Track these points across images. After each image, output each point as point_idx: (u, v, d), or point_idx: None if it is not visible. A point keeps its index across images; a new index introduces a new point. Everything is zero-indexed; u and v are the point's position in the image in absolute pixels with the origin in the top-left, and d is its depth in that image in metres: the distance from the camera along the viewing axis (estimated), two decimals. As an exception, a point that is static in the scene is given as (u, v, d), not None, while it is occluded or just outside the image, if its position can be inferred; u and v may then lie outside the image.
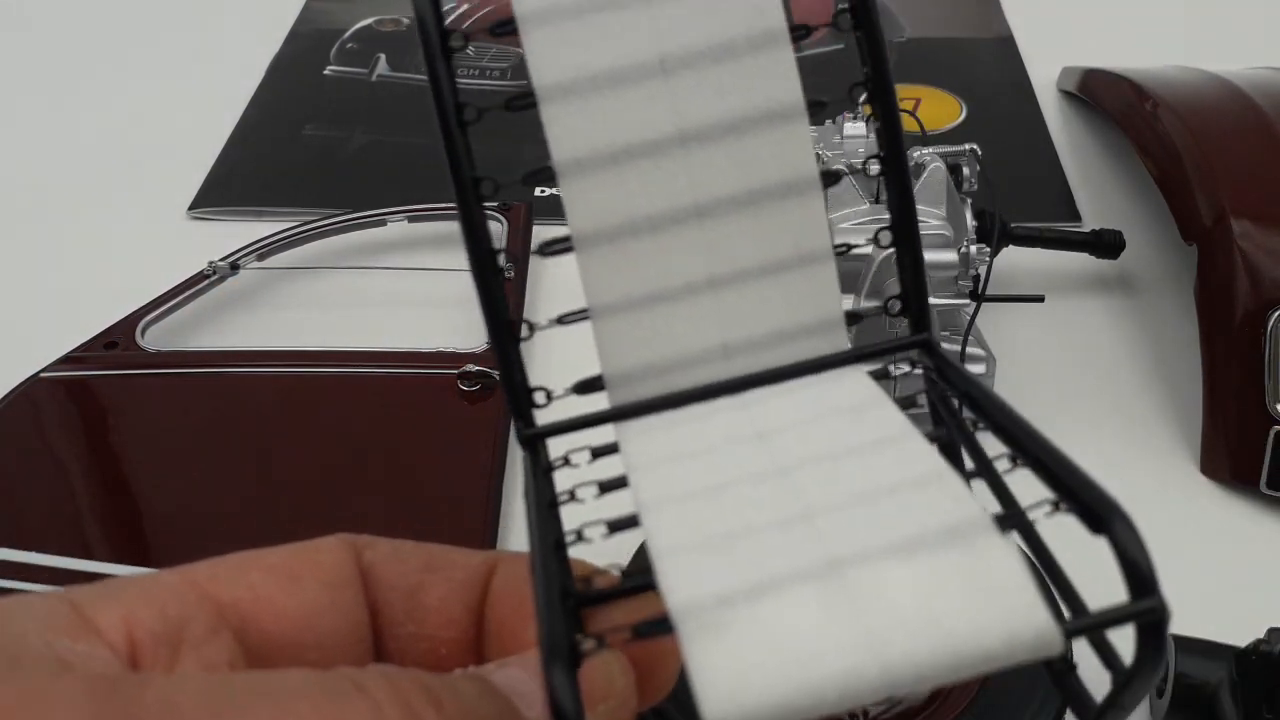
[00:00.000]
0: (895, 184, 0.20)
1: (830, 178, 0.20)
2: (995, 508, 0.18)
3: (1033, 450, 0.17)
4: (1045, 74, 0.70)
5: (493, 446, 0.45)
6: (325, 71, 0.72)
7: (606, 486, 0.19)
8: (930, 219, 0.46)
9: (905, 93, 0.69)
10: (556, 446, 0.20)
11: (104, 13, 0.79)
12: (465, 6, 0.76)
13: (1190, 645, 0.36)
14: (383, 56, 0.72)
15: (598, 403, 0.20)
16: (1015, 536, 0.16)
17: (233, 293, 0.54)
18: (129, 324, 0.50)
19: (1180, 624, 0.36)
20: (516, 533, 0.43)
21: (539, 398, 0.20)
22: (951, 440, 0.19)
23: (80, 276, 0.56)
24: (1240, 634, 0.35)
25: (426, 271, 0.54)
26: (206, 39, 0.77)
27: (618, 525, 0.18)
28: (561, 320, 0.20)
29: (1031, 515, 0.17)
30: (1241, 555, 0.43)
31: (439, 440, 0.45)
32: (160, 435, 0.46)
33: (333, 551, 0.21)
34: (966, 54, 0.73)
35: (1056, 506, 0.17)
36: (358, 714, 0.16)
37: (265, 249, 0.54)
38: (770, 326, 0.20)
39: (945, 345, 0.45)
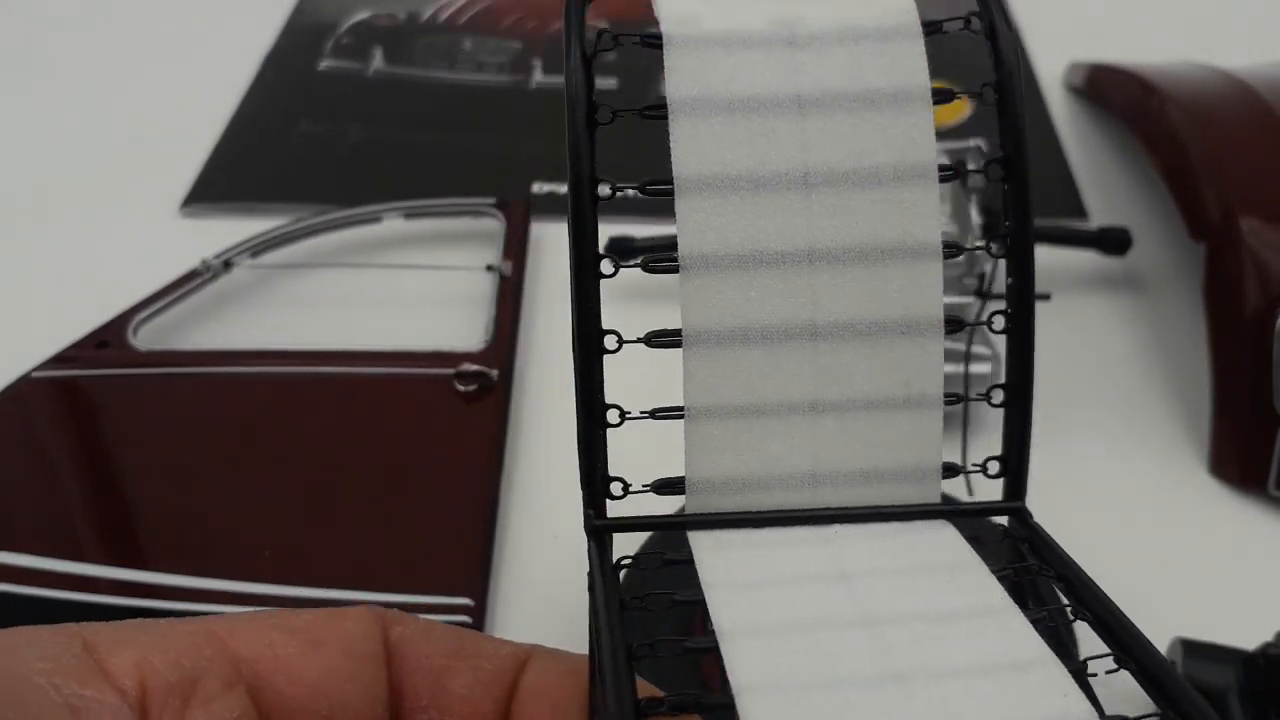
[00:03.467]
0: (1018, 345, 0.20)
1: (954, 323, 0.19)
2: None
3: (1137, 653, 0.17)
4: (1051, 69, 0.70)
5: (489, 446, 0.44)
6: (320, 66, 0.71)
7: (680, 602, 0.18)
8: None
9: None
10: (621, 543, 0.19)
11: (93, 5, 0.78)
12: (461, 1, 0.76)
13: (1198, 649, 0.35)
14: (379, 51, 0.72)
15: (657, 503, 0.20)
16: None
17: (226, 291, 0.53)
18: (120, 323, 0.49)
19: (1187, 627, 0.36)
20: (513, 534, 0.42)
21: (615, 488, 0.19)
22: (1051, 625, 0.18)
23: (71, 275, 0.56)
24: (1248, 637, 0.35)
25: (423, 270, 0.53)
26: (199, 32, 0.76)
27: (694, 649, 0.17)
28: (655, 414, 0.19)
29: None
30: (1250, 558, 0.42)
31: (435, 441, 0.45)
32: (152, 436, 0.45)
33: (360, 621, 0.21)
34: (972, 49, 0.72)
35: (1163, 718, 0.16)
36: None
37: (259, 247, 0.54)
38: (865, 463, 0.19)
39: (949, 344, 0.45)
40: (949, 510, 0.20)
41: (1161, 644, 0.36)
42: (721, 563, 0.18)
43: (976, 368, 0.45)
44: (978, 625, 0.17)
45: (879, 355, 0.19)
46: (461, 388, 0.46)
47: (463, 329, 0.50)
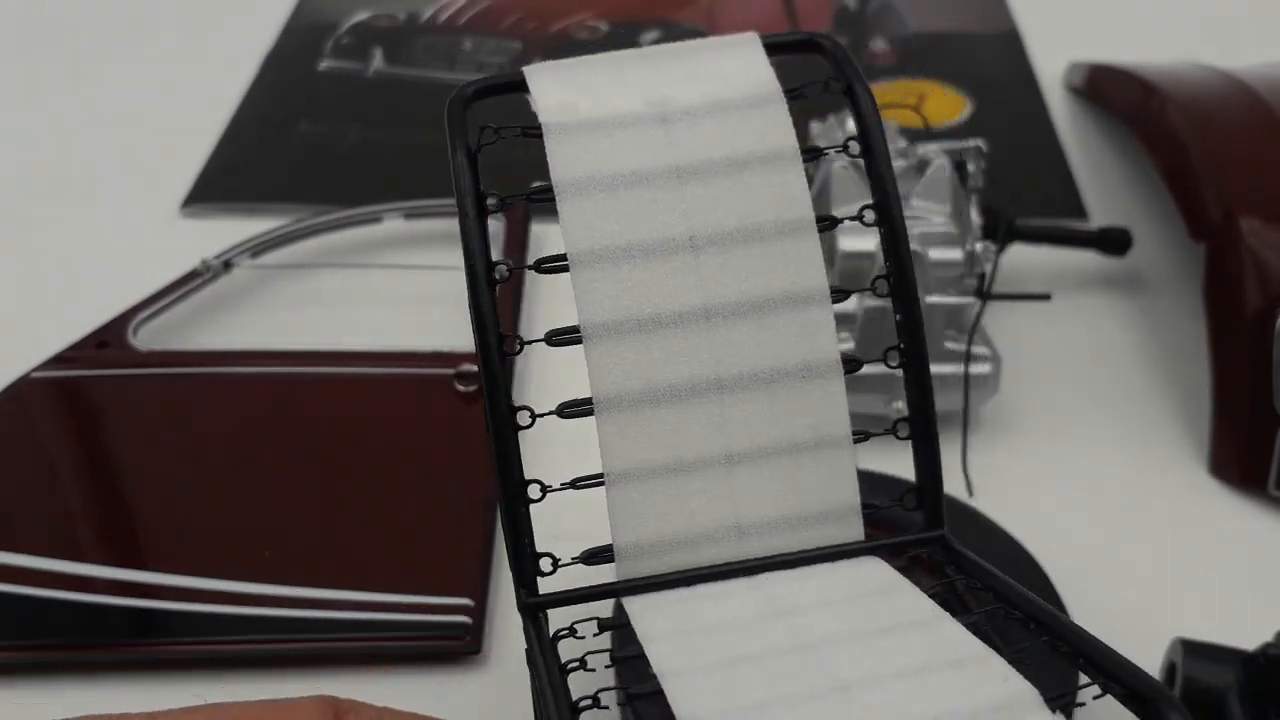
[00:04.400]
0: (915, 380, 0.21)
1: (853, 364, 0.20)
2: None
3: (1071, 639, 0.18)
4: (1052, 70, 0.70)
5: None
6: (320, 66, 0.71)
7: (619, 659, 0.18)
8: (935, 216, 0.45)
9: (910, 88, 0.69)
10: (558, 616, 0.20)
11: (94, 6, 0.78)
12: (461, 2, 0.76)
13: (1198, 649, 0.35)
14: (379, 51, 0.72)
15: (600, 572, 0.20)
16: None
17: (226, 291, 0.53)
18: (121, 323, 0.49)
19: (1187, 627, 0.36)
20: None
21: (545, 564, 0.20)
22: (981, 628, 0.19)
23: (71, 275, 0.56)
24: (1248, 637, 0.35)
25: (423, 270, 0.53)
26: (199, 33, 0.76)
27: (638, 694, 0.17)
28: (576, 484, 0.20)
29: (1080, 697, 0.17)
30: (1249, 557, 0.42)
31: (435, 441, 0.45)
32: (152, 436, 0.45)
33: (312, 713, 0.20)
34: (972, 49, 0.73)
35: (1106, 689, 0.17)
36: None
37: (259, 247, 0.54)
38: (785, 510, 0.20)
39: (950, 344, 0.45)
40: (873, 546, 0.20)
41: (1161, 644, 0.36)
42: (658, 619, 0.19)
43: (976, 368, 0.45)
44: (914, 635, 0.18)
45: (783, 402, 0.20)
46: (461, 388, 0.46)
47: (463, 329, 0.50)
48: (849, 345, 0.45)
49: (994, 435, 0.46)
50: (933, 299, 0.44)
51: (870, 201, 0.21)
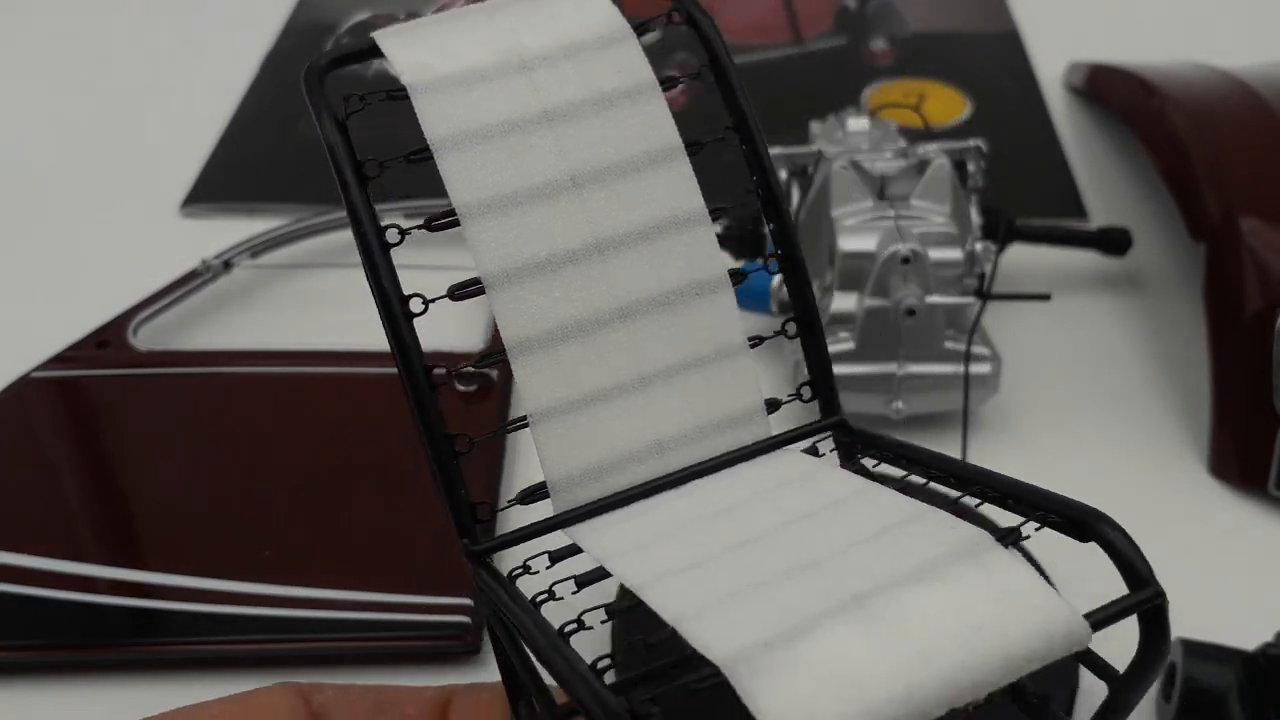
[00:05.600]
0: (794, 283, 0.22)
1: (736, 276, 0.21)
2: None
3: (999, 488, 0.19)
4: (1052, 70, 0.70)
5: (490, 447, 0.44)
6: (321, 67, 0.71)
7: (584, 581, 0.19)
8: (935, 216, 0.45)
9: (910, 88, 0.69)
10: (513, 556, 0.20)
11: (94, 6, 0.78)
12: (461, 2, 0.76)
13: (1198, 649, 0.35)
14: (379, 51, 0.72)
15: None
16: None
17: (226, 291, 0.53)
18: (121, 323, 0.49)
19: (1188, 627, 0.36)
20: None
21: (482, 512, 0.21)
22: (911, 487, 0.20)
23: (71, 275, 0.56)
24: (1249, 637, 0.35)
25: (422, 270, 0.53)
26: (199, 33, 0.76)
27: (617, 609, 0.18)
28: (504, 430, 0.21)
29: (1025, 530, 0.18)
30: (1250, 557, 0.42)
31: (435, 441, 0.45)
32: (153, 436, 0.45)
33: (279, 698, 0.21)
34: (972, 49, 0.73)
35: (1044, 522, 0.18)
36: None
37: (259, 247, 0.54)
38: (699, 421, 0.21)
39: (950, 344, 0.45)
40: (780, 440, 0.22)
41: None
42: (607, 540, 0.19)
43: (976, 368, 0.45)
44: (852, 507, 0.19)
45: (681, 320, 0.21)
46: (461, 388, 0.46)
47: (463, 329, 0.50)
48: (849, 345, 0.45)
49: (994, 435, 0.46)
50: (933, 299, 0.43)
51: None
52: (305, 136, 0.65)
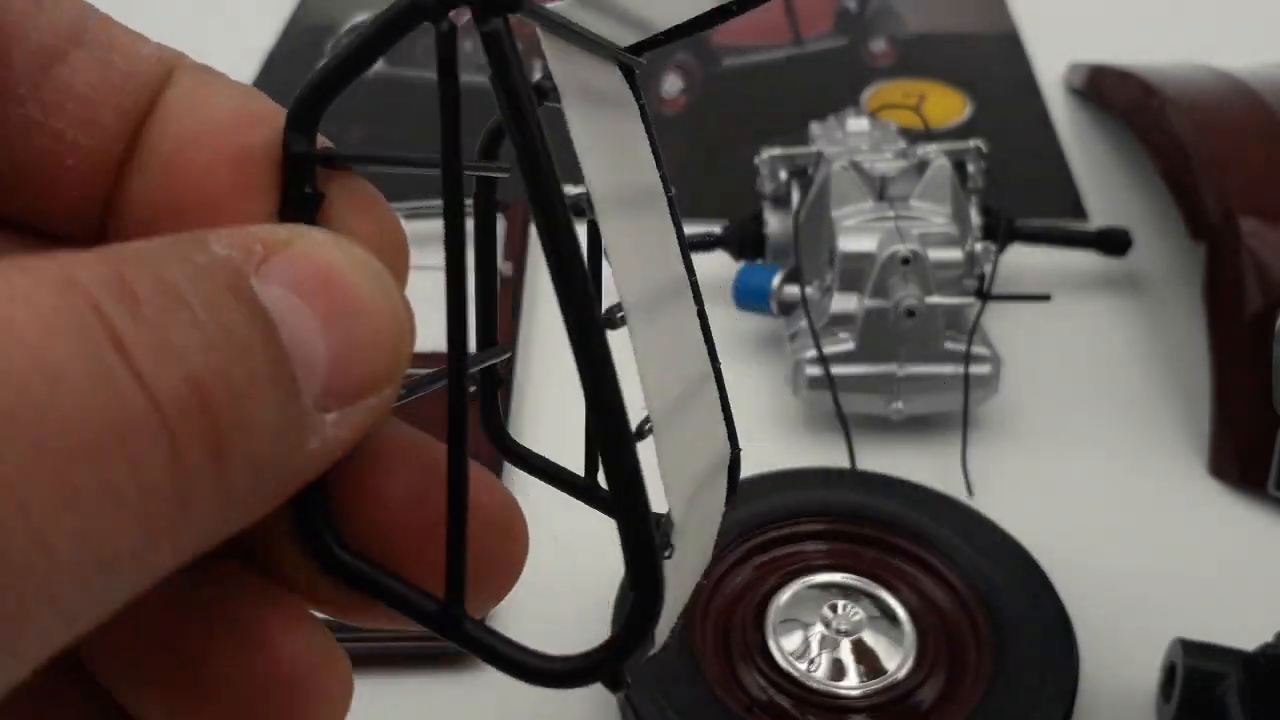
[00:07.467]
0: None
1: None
2: None
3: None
4: (1052, 70, 0.70)
5: (489, 447, 0.44)
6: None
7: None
8: (935, 216, 0.45)
9: (910, 89, 0.69)
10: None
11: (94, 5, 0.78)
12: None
13: (1198, 649, 0.35)
14: (380, 52, 0.72)
15: None
16: None
17: (227, 291, 0.53)
18: (121, 323, 0.49)
19: (1188, 627, 0.36)
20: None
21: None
22: None
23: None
24: (1249, 637, 0.35)
25: (424, 270, 0.53)
26: (200, 32, 0.76)
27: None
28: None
29: None
30: (1250, 557, 0.42)
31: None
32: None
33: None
34: (972, 50, 0.73)
35: None
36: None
37: (260, 246, 0.54)
38: None
39: (950, 345, 0.45)
40: None
41: (1161, 644, 0.36)
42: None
43: (976, 368, 0.45)
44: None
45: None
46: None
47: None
48: (849, 345, 0.45)
49: (994, 435, 0.46)
50: (933, 299, 0.44)
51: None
52: (305, 137, 0.65)
